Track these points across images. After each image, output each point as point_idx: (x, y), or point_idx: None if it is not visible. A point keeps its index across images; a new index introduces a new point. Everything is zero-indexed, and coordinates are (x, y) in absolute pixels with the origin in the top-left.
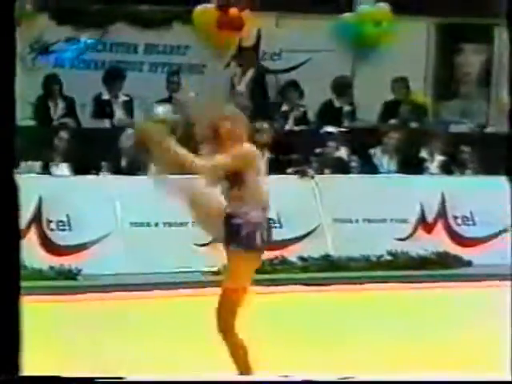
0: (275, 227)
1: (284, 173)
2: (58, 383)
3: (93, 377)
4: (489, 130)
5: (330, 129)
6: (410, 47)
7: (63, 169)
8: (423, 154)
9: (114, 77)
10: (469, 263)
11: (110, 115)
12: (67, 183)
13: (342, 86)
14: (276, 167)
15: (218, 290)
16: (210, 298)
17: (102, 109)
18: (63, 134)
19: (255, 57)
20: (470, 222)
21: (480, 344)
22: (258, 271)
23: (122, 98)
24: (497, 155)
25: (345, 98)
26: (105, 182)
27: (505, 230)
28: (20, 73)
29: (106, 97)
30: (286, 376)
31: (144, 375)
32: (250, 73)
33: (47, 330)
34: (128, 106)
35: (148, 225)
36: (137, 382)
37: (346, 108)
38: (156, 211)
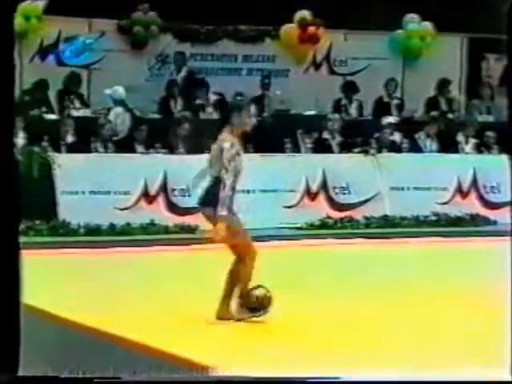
0: (345, 193)
1: (352, 152)
2: (57, 383)
3: (92, 377)
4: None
5: (387, 118)
6: (447, 56)
7: (181, 149)
8: (459, 138)
9: None
10: (494, 222)
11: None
12: (185, 160)
13: (391, 86)
14: (345, 148)
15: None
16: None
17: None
18: (183, 124)
19: None
20: (496, 191)
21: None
22: (330, 227)
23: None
24: None
25: (392, 95)
26: None
27: None
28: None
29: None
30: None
31: None
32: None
33: (175, 268)
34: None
35: (247, 192)
36: (135, 382)
37: (394, 102)
38: (252, 181)
